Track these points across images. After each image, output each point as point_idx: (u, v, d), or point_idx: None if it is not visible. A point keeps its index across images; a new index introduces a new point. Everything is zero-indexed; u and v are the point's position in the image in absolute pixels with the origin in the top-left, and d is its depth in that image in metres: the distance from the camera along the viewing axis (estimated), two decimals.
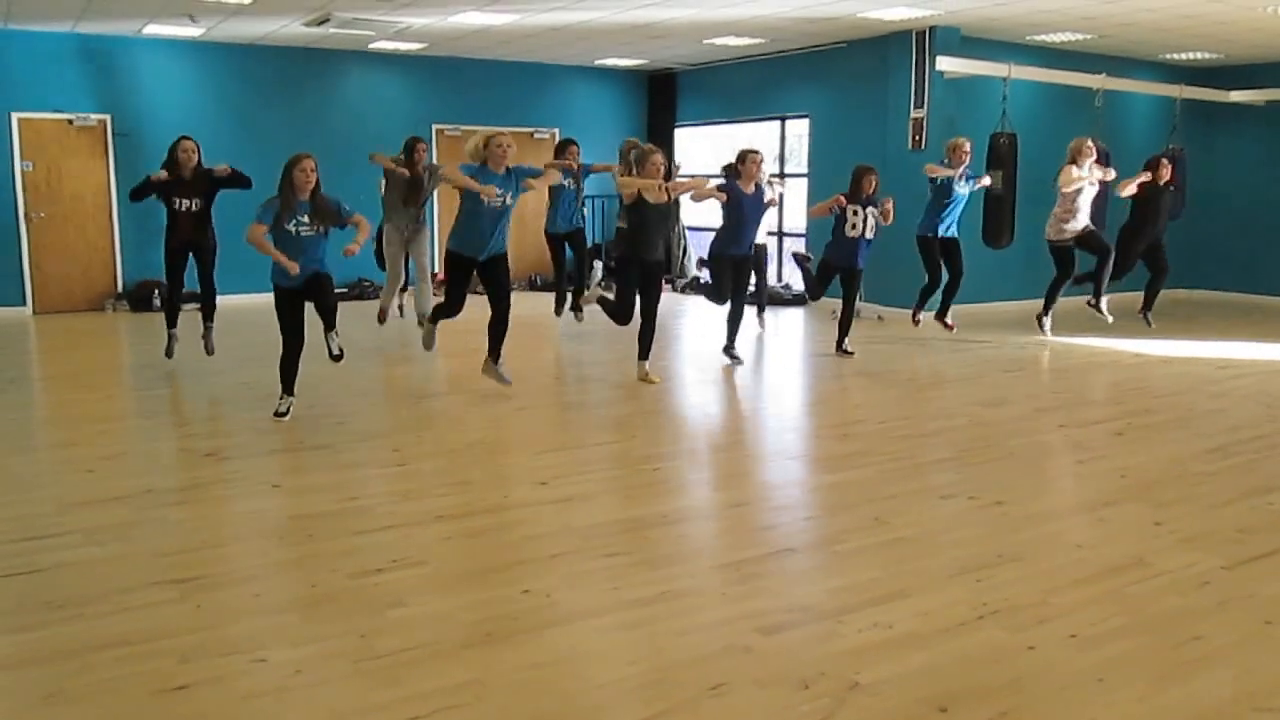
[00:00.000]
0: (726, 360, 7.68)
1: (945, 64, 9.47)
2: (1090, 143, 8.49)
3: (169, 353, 7.35)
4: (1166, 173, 8.88)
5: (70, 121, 10.31)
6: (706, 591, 3.50)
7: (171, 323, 7.37)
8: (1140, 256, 9.01)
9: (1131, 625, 3.24)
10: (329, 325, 5.84)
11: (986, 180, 8.61)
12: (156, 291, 10.40)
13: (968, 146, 8.29)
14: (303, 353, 5.85)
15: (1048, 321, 8.86)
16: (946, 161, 8.29)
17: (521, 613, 3.31)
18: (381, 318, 8.67)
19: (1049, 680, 2.88)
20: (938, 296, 8.63)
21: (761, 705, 2.74)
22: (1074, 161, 8.43)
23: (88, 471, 4.93)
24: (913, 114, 9.88)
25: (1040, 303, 8.92)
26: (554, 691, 2.82)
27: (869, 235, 7.81)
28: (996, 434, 5.74)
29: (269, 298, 5.78)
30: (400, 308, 9.80)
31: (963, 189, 8.32)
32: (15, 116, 10.07)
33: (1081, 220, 8.53)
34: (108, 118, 10.43)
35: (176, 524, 4.21)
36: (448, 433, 5.78)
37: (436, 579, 3.62)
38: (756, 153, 7.40)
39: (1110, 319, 8.83)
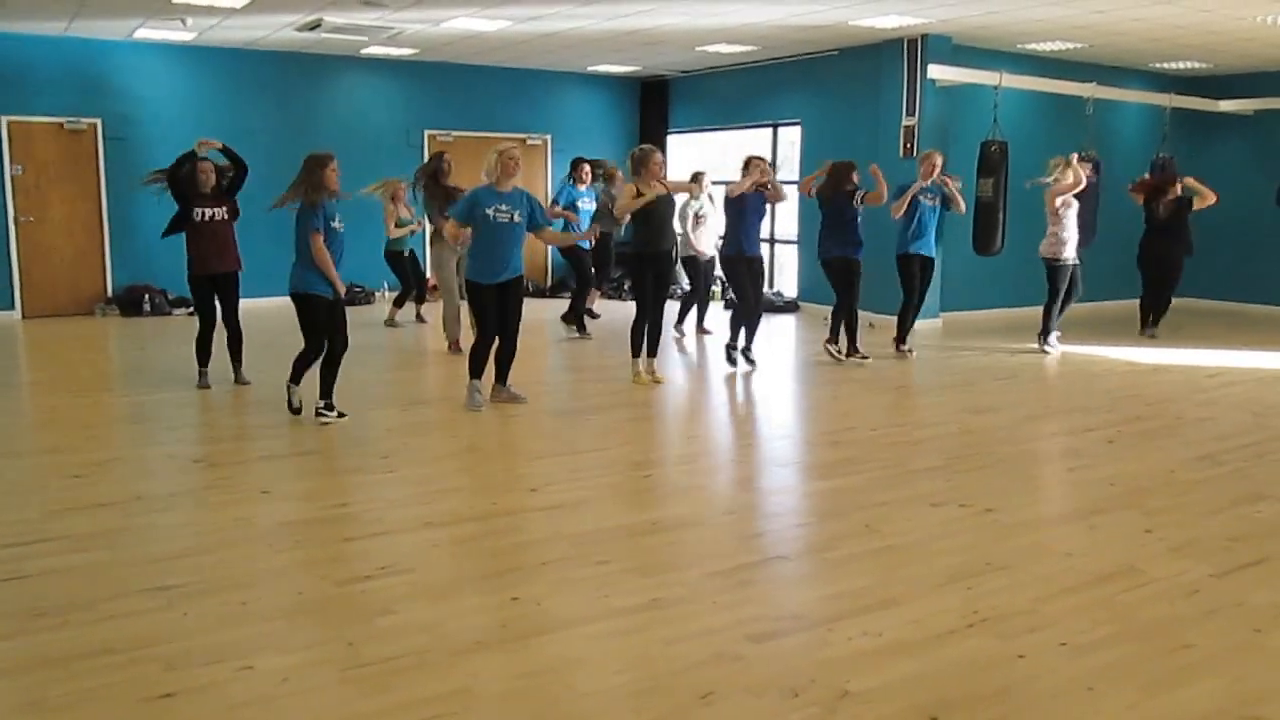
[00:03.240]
0: (742, 363, 7.74)
1: (937, 72, 9.50)
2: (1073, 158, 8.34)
3: (202, 385, 6.83)
4: (1178, 188, 8.91)
5: (61, 125, 10.28)
6: (697, 599, 3.49)
7: (203, 360, 6.88)
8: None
9: (1121, 633, 3.24)
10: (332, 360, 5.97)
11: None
12: (146, 296, 10.41)
13: (938, 160, 8.24)
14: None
15: (1052, 338, 8.59)
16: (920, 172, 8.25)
17: (511, 620, 3.30)
18: (454, 346, 8.17)
19: (1039, 688, 2.88)
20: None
21: (752, 713, 2.74)
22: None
23: (75, 477, 4.89)
24: (904, 122, 9.91)
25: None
26: (543, 700, 2.81)
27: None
28: (987, 441, 5.75)
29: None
30: (419, 314, 9.94)
31: (928, 201, 8.19)
32: (5, 119, 10.02)
33: (1073, 237, 8.35)
34: (98, 121, 10.40)
35: (164, 530, 4.19)
36: (437, 439, 5.77)
37: (425, 586, 3.60)
38: (761, 159, 7.62)
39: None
